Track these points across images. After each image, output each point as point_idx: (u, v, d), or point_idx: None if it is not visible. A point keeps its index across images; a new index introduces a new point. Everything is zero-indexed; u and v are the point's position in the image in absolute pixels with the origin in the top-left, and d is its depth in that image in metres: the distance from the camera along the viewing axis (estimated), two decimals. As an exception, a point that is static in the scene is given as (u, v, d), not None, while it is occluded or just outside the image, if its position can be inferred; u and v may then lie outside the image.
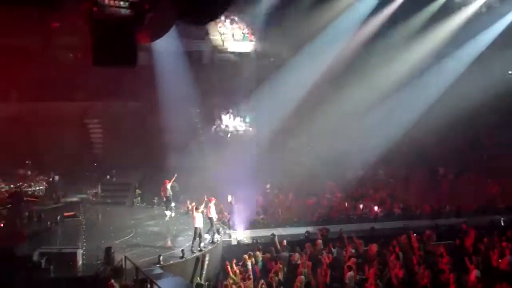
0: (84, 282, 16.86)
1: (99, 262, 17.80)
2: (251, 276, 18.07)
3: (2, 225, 21.07)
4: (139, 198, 27.44)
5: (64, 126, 29.41)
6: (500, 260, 18.64)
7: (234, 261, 18.82)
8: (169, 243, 20.74)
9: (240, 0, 28.23)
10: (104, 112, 32.26)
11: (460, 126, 32.95)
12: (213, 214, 21.11)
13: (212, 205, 21.04)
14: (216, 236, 20.97)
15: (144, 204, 27.09)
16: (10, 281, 16.17)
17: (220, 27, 31.43)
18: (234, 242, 22.35)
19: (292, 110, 31.41)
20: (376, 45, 32.34)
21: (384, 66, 32.59)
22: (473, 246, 20.29)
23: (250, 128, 34.07)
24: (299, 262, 19.03)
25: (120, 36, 8.92)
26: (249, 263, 18.71)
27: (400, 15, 31.33)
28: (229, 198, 24.07)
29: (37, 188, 26.49)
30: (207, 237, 20.55)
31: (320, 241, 20.83)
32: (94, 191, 27.58)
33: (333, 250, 20.14)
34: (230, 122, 33.86)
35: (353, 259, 18.54)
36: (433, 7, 31.36)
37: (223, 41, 31.87)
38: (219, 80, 31.28)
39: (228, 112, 33.36)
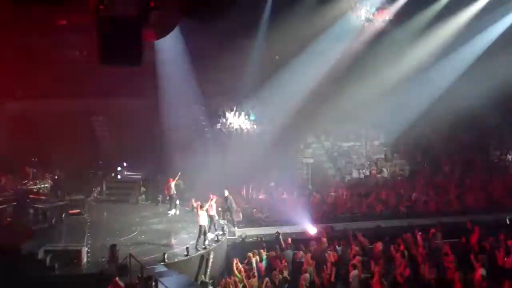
0: (89, 280, 16.84)
1: (103, 259, 17.87)
2: (256, 274, 18.07)
3: (7, 222, 21.11)
4: (143, 195, 27.53)
5: (70, 123, 29.43)
6: (505, 259, 18.57)
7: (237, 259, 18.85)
8: (173, 240, 20.77)
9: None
10: (109, 109, 32.31)
11: (467, 123, 32.87)
12: (214, 212, 21.22)
13: (213, 203, 21.12)
14: (219, 234, 20.99)
15: (149, 201, 27.18)
16: (15, 278, 16.19)
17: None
18: (238, 240, 22.36)
19: (296, 108, 31.34)
20: (381, 42, 32.27)
21: (389, 63, 32.55)
22: (479, 244, 20.20)
23: (255, 126, 34.08)
24: (303, 260, 19.03)
25: (126, 33, 8.93)
26: (253, 261, 18.71)
27: (406, 12, 31.18)
28: (226, 193, 24.04)
29: (43, 185, 26.55)
30: (211, 235, 20.58)
31: (324, 239, 20.79)
32: (99, 188, 27.65)
33: (337, 248, 20.11)
34: (235, 120, 33.89)
35: (358, 258, 18.49)
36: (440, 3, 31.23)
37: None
38: (224, 78, 31.23)
39: (232, 110, 33.38)
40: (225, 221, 23.56)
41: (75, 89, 30.62)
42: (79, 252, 17.97)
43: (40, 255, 17.69)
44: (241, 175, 29.22)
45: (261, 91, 31.65)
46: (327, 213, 26.26)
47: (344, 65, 31.70)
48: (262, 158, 28.79)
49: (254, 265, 18.55)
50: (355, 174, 32.56)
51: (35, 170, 27.50)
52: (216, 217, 21.84)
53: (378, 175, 32.82)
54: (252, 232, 23.24)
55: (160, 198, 26.47)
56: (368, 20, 31.73)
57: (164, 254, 18.20)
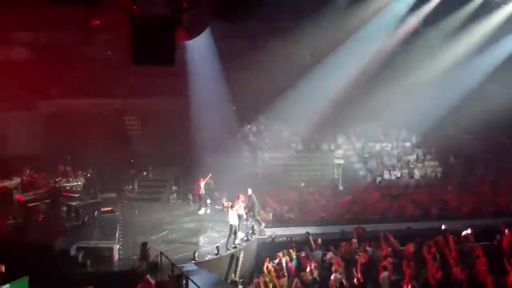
0: (120, 277, 16.97)
1: (135, 257, 18.02)
2: (286, 274, 18.06)
3: (40, 219, 21.43)
4: (175, 194, 27.69)
5: (103, 123, 29.80)
6: (539, 262, 18.26)
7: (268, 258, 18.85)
8: (203, 239, 20.86)
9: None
10: (142, 109, 32.66)
11: (500, 123, 32.38)
12: (242, 211, 21.28)
13: (240, 202, 21.18)
14: (249, 233, 21.06)
15: (180, 200, 27.29)
16: (47, 274, 16.38)
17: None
18: (268, 240, 22.37)
19: (327, 108, 31.25)
20: (413, 42, 32.01)
21: (421, 63, 32.28)
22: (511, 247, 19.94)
23: (286, 127, 34.10)
24: (332, 260, 18.96)
25: (159, 34, 9.02)
26: (283, 261, 18.70)
27: (439, 12, 30.85)
28: (249, 191, 24.00)
29: (76, 183, 26.87)
30: (241, 234, 20.64)
31: (355, 240, 20.69)
32: (131, 187, 27.90)
33: (368, 249, 19.99)
34: (266, 120, 33.96)
35: (389, 259, 18.35)
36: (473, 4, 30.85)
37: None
38: (254, 79, 31.24)
39: (264, 111, 33.38)
40: (252, 220, 23.54)
41: (108, 89, 31.04)
42: (111, 249, 18.18)
43: (73, 252, 17.91)
44: (271, 175, 29.31)
45: (291, 92, 31.56)
46: (358, 214, 26.13)
47: (376, 65, 31.53)
48: (292, 158, 28.77)
49: (284, 265, 18.54)
50: (386, 176, 32.30)
51: (68, 168, 27.86)
52: (245, 216, 21.90)
53: (410, 178, 32.55)
54: (282, 232, 23.21)
55: (191, 197, 26.61)
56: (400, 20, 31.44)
57: (194, 252, 18.26)
